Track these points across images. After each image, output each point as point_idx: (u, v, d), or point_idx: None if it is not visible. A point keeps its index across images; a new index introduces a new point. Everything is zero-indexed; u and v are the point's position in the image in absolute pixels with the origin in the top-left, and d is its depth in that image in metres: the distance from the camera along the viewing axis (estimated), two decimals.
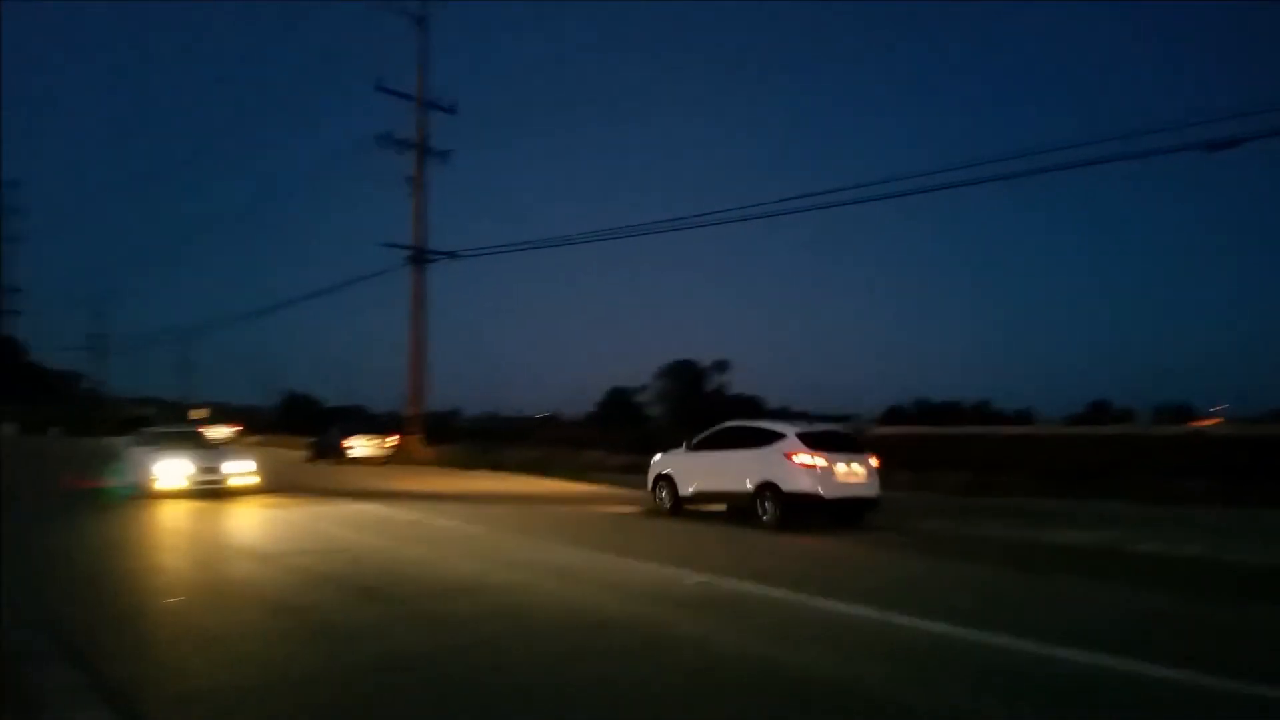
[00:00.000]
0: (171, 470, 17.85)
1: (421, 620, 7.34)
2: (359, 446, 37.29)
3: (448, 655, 6.21)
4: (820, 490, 15.09)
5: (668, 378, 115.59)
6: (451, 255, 37.40)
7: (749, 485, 15.87)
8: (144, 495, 17.55)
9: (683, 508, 17.47)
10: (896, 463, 25.92)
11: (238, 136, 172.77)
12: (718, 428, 17.72)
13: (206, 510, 16.02)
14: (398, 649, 6.37)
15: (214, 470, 18.27)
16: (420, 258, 37.45)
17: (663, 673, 5.84)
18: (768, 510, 15.49)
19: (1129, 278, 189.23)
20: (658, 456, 18.70)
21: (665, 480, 17.94)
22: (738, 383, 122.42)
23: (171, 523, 14.64)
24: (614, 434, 49.83)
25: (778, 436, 15.91)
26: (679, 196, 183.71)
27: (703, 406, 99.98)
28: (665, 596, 8.50)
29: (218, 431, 53.92)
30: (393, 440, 38.32)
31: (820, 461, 15.25)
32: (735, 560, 11.13)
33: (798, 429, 16.04)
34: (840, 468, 15.39)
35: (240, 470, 18.68)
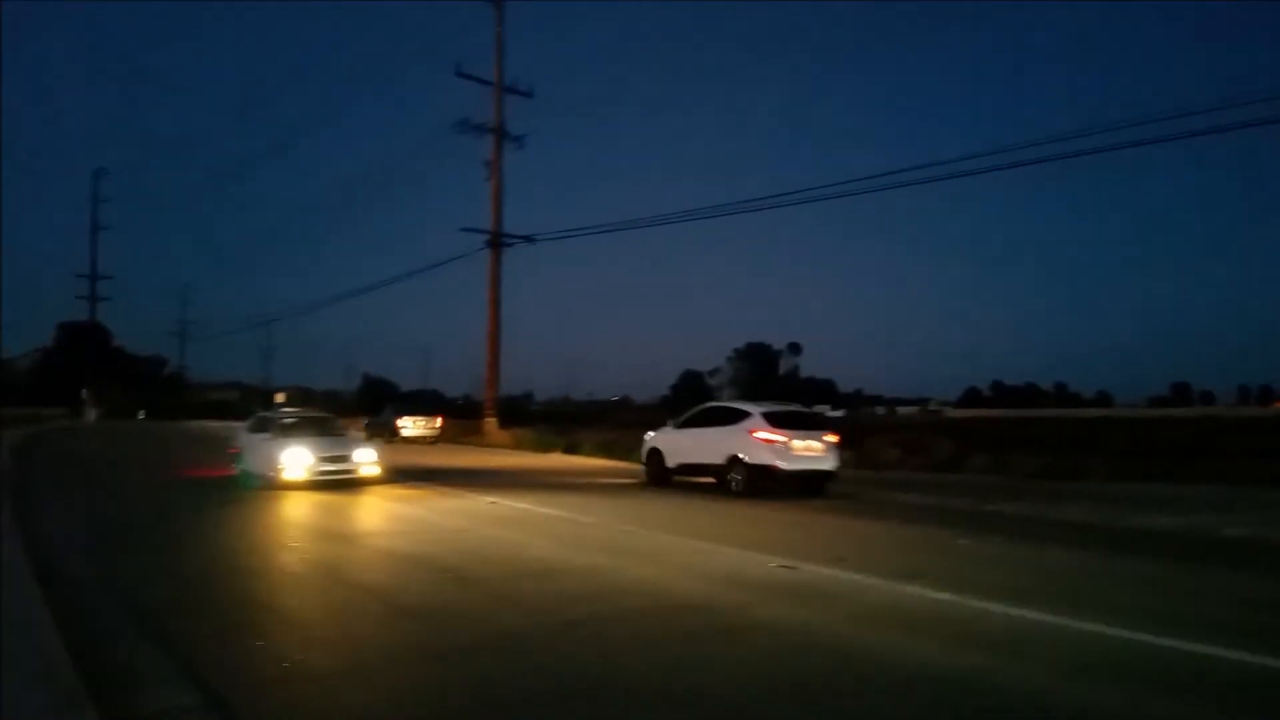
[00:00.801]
0: (298, 460, 16.88)
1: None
2: (409, 427, 40.57)
3: (541, 638, 6.31)
4: (778, 463, 17.05)
5: (740, 360, 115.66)
6: (528, 239, 37.67)
7: (721, 458, 17.85)
8: (270, 486, 16.72)
9: (670, 479, 19.40)
10: (973, 446, 25.55)
11: (319, 125, 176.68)
12: (699, 408, 20.11)
13: (333, 502, 15.21)
14: (488, 631, 6.50)
15: (342, 459, 17.44)
16: (497, 242, 37.74)
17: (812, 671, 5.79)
18: (736, 481, 17.41)
19: (1209, 258, 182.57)
20: (649, 434, 20.82)
21: (655, 454, 20.01)
22: (811, 366, 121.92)
23: (293, 514, 14.04)
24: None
25: (745, 415, 17.85)
26: (749, 179, 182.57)
27: (776, 389, 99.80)
28: (753, 582, 8.44)
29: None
30: (438, 422, 41.75)
31: (779, 437, 17.17)
32: (784, 539, 11.02)
33: (763, 409, 17.91)
34: (798, 443, 17.25)
35: (367, 459, 17.83)
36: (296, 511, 14.22)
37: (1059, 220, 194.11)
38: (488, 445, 35.50)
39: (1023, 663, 5.82)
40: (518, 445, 34.59)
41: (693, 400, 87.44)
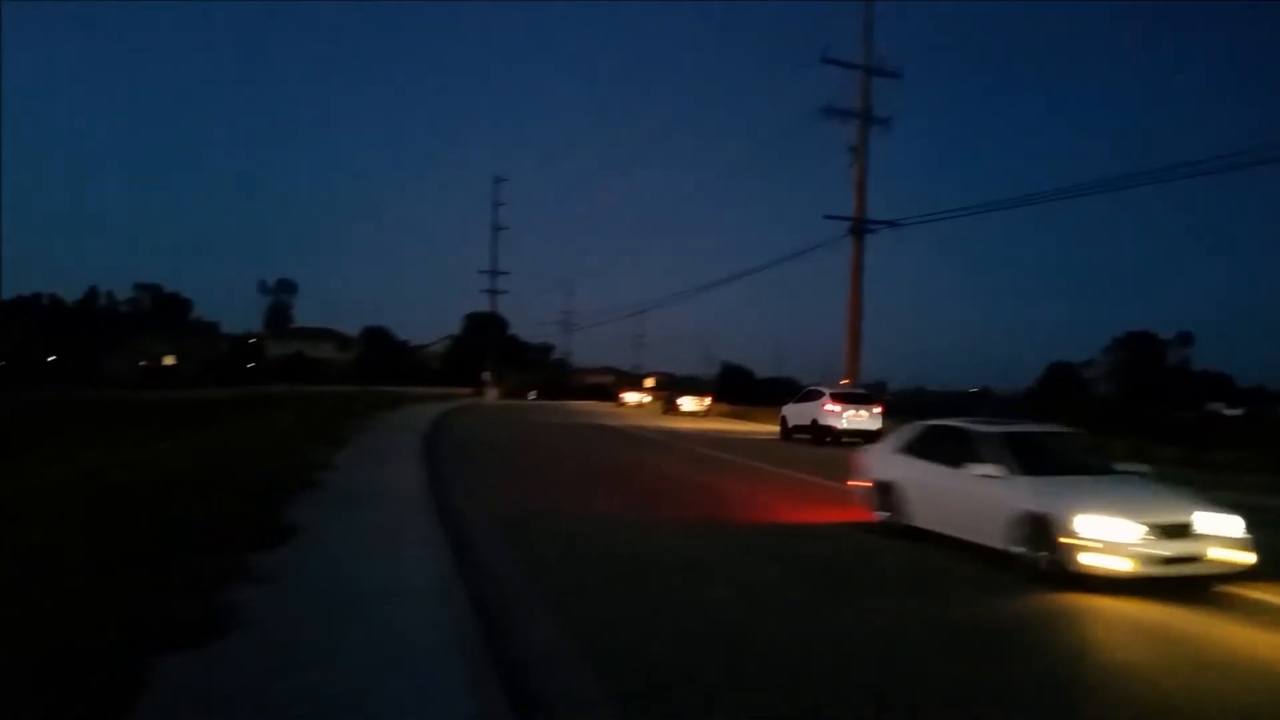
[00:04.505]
0: (1114, 532, 8.46)
1: None
2: (688, 402, 54.65)
3: None
4: (834, 424, 29.53)
5: (1120, 351, 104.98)
6: (892, 224, 36.76)
7: (808, 421, 30.60)
8: (1053, 573, 8.66)
9: (792, 436, 31.62)
10: None
11: (687, 120, 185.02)
12: (803, 391, 33.16)
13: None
14: None
15: (1186, 533, 8.73)
16: (860, 229, 37.30)
17: None
18: (811, 436, 29.99)
19: None
20: (784, 407, 33.42)
21: (783, 420, 32.88)
22: (1204, 357, 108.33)
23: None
24: (1055, 412, 46.60)
25: (821, 395, 30.73)
26: (1136, 150, 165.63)
27: (1160, 384, 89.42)
28: None
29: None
30: (708, 400, 56.15)
31: (838, 408, 29.67)
32: None
33: (830, 390, 30.88)
34: (850, 413, 29.60)
35: (1227, 533, 8.83)
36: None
37: None
38: None
39: None
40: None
41: (1062, 394, 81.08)
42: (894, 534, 11.11)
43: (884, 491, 11.61)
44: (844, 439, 28.34)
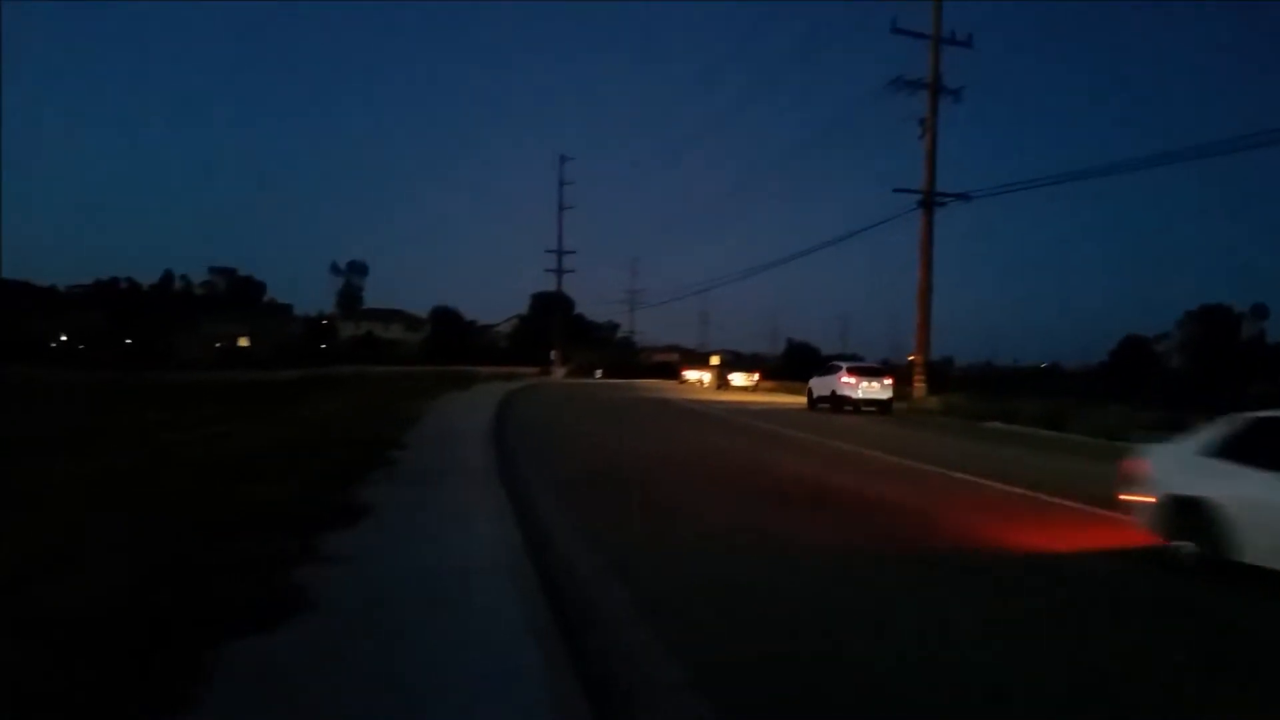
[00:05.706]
0: None
1: None
2: (738, 378, 60.29)
3: None
4: (850, 394, 32.49)
5: (1193, 325, 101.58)
6: (963, 197, 36.01)
7: (829, 392, 33.73)
8: None
9: (816, 406, 34.77)
10: None
11: (752, 97, 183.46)
12: (824, 365, 37.42)
13: None
14: None
15: None
16: (930, 202, 36.54)
17: None
18: (831, 405, 33.16)
19: None
20: (810, 380, 37.01)
21: (809, 392, 36.51)
22: (1278, 330, 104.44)
23: None
24: (1125, 387, 45.59)
25: (839, 368, 34.35)
26: (1218, 121, 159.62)
27: (1235, 358, 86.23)
28: None
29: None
30: (757, 376, 61.31)
31: (853, 380, 32.77)
32: None
33: (847, 365, 35.09)
34: (864, 384, 32.61)
35: None
36: None
37: None
38: (917, 413, 34.17)
39: None
40: (948, 412, 33.08)
41: (1135, 369, 79.22)
42: (1199, 571, 7.82)
43: (1186, 511, 8.12)
44: (862, 408, 32.31)
